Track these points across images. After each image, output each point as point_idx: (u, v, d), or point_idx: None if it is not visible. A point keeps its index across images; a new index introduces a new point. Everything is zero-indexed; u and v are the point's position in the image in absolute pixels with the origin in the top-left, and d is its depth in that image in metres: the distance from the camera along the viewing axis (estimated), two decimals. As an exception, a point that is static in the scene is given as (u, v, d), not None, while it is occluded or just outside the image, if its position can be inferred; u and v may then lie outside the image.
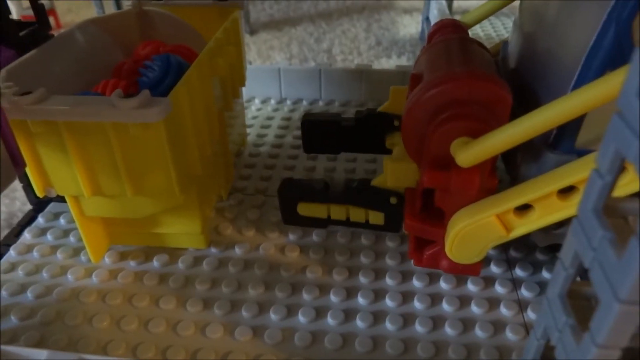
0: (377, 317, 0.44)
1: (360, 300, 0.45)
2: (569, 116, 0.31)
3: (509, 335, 0.42)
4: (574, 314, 0.28)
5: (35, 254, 0.51)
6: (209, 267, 0.49)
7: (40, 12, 0.52)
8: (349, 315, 0.44)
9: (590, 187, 0.25)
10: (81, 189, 0.42)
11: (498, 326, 0.43)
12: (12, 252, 0.52)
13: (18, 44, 0.48)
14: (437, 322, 0.43)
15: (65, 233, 0.54)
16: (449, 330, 0.42)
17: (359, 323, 0.43)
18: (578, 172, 0.34)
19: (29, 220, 0.58)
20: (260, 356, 0.41)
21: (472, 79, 0.37)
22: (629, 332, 0.23)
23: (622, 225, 0.24)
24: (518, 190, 0.37)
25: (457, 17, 0.54)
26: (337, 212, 0.48)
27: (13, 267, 0.50)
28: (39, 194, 0.43)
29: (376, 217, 0.47)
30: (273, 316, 0.44)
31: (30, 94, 0.37)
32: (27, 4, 1.18)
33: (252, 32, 1.47)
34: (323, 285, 0.47)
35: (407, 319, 0.43)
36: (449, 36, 0.46)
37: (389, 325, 0.43)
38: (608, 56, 0.33)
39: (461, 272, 0.45)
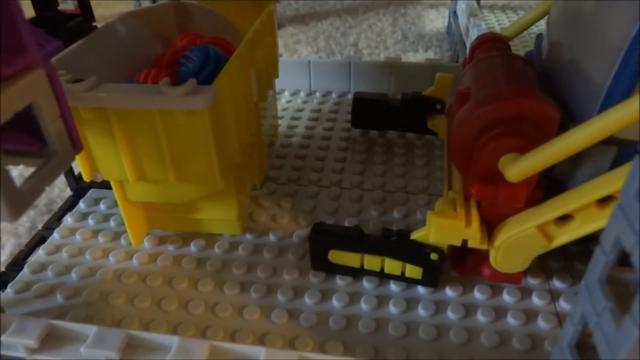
0: (410, 303, 0.44)
1: (393, 287, 0.46)
2: (615, 128, 0.31)
3: (541, 324, 0.42)
4: (613, 300, 0.29)
5: (77, 237, 0.53)
6: (245, 252, 0.50)
7: (85, 5, 0.54)
8: (381, 300, 0.45)
9: (634, 172, 0.25)
10: (126, 174, 0.43)
11: (530, 315, 0.43)
12: (55, 235, 0.54)
13: (65, 35, 0.50)
14: (468, 309, 0.44)
15: (106, 218, 0.56)
16: (481, 317, 0.43)
17: (392, 308, 0.44)
18: (615, 181, 0.35)
19: (69, 205, 0.60)
20: (297, 338, 0.42)
21: (519, 98, 0.38)
22: (671, 313, 0.23)
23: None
24: (558, 201, 0.38)
25: (485, 12, 0.55)
26: (372, 262, 0.45)
27: (57, 249, 0.52)
28: (86, 178, 0.45)
29: (413, 271, 0.44)
30: (308, 300, 0.45)
31: (83, 82, 0.38)
32: (61, -2, 1.21)
33: (279, 26, 1.48)
34: (356, 272, 0.48)
35: (439, 306, 0.44)
36: (492, 52, 0.48)
37: (421, 311, 0.44)
38: None
39: (503, 281, 0.46)
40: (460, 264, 0.47)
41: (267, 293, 0.46)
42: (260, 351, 0.35)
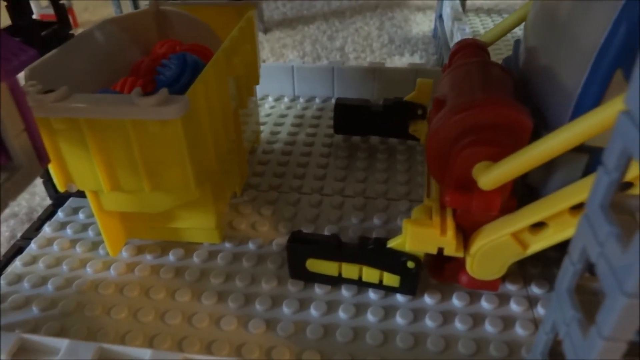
0: (388, 311, 0.44)
1: (372, 295, 0.46)
2: (585, 136, 0.31)
3: (519, 330, 0.42)
4: (582, 309, 0.29)
5: (55, 247, 0.53)
6: (224, 261, 0.50)
7: (61, 12, 0.53)
8: (360, 309, 0.45)
9: (598, 184, 0.26)
10: (101, 184, 0.43)
11: (508, 322, 0.43)
12: (33, 246, 0.53)
13: (41, 44, 0.50)
14: (446, 316, 0.44)
15: (84, 227, 0.55)
16: (458, 325, 0.43)
17: (370, 317, 0.44)
18: (587, 189, 0.35)
19: (48, 214, 0.60)
20: (273, 348, 0.41)
21: (493, 105, 0.38)
22: (635, 325, 0.23)
23: (629, 221, 0.25)
24: (531, 209, 0.38)
25: (471, 15, 0.55)
26: (349, 271, 0.45)
27: (34, 259, 0.51)
28: (60, 188, 0.44)
29: (391, 279, 0.44)
30: (286, 309, 0.45)
31: (53, 92, 0.38)
32: (45, 3, 1.21)
33: (266, 31, 1.48)
34: (335, 280, 0.48)
35: (417, 314, 0.44)
36: (471, 59, 0.48)
37: (399, 319, 0.43)
38: (618, 55, 0.33)
39: (480, 288, 0.46)
40: (439, 272, 0.46)
41: (245, 302, 0.46)
42: (234, 363, 0.35)
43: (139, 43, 0.61)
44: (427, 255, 0.43)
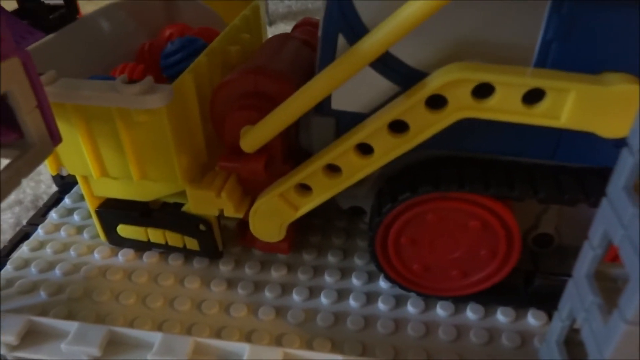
0: (399, 299, 0.44)
1: (382, 284, 0.45)
2: (323, 93, 0.36)
3: (531, 320, 0.42)
4: (601, 295, 0.28)
5: (62, 233, 0.52)
6: (233, 249, 0.50)
7: (69, -3, 0.53)
8: (370, 297, 0.44)
9: (622, 166, 0.25)
10: (90, 170, 0.43)
11: (520, 311, 0.43)
12: (40, 231, 0.53)
13: (48, 27, 0.49)
14: (458, 306, 0.43)
15: (91, 214, 0.55)
16: (470, 314, 0.43)
17: (381, 305, 0.43)
18: (335, 151, 0.37)
19: (54, 201, 0.59)
20: (284, 335, 0.41)
21: (256, 74, 0.40)
22: (659, 308, 0.23)
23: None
24: (295, 171, 0.40)
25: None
26: (156, 236, 0.47)
27: (41, 245, 0.51)
28: (52, 172, 0.44)
29: (191, 243, 0.47)
30: (296, 297, 0.44)
31: (41, 76, 0.37)
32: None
33: (271, 23, 1.47)
34: (345, 268, 0.47)
35: (428, 303, 0.44)
36: (294, 34, 0.50)
37: (410, 308, 0.43)
38: (337, 26, 0.35)
39: (272, 250, 0.48)
40: (243, 237, 0.48)
41: (255, 290, 0.45)
42: (245, 348, 0.35)
43: (147, 29, 0.60)
44: (240, 222, 0.47)
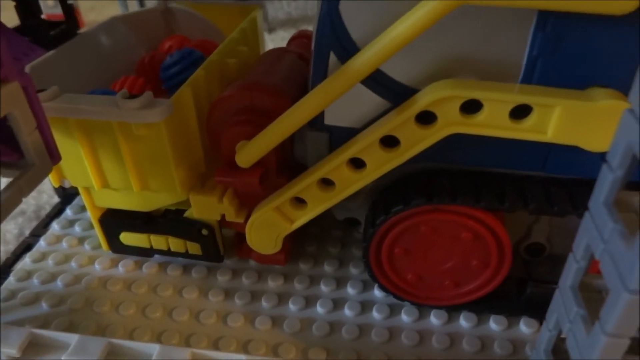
0: (393, 308, 0.45)
1: (376, 293, 0.46)
2: (316, 110, 0.36)
3: (523, 328, 0.43)
4: (585, 306, 0.29)
5: (64, 244, 0.53)
6: (230, 259, 0.50)
7: (69, 12, 0.54)
8: (365, 307, 0.45)
9: (602, 181, 0.26)
10: (91, 182, 0.44)
11: (512, 319, 0.44)
12: (42, 243, 0.54)
13: (49, 43, 0.50)
14: (451, 315, 0.44)
15: (92, 225, 0.56)
16: (464, 323, 0.43)
17: (376, 315, 0.44)
18: (328, 166, 0.38)
19: (57, 212, 0.60)
20: (280, 345, 0.42)
21: (250, 90, 0.41)
22: (637, 322, 0.24)
23: (632, 218, 0.25)
24: (290, 185, 0.41)
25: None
26: (158, 242, 0.49)
27: (43, 256, 0.52)
28: (54, 184, 0.45)
29: (193, 248, 0.48)
30: (292, 306, 0.45)
31: (44, 92, 0.38)
32: (52, 3, 1.21)
33: (270, 30, 1.48)
34: (340, 277, 0.48)
35: (422, 312, 0.44)
36: (289, 48, 0.51)
37: (404, 317, 0.44)
38: (329, 44, 0.36)
39: (268, 262, 0.49)
40: (239, 248, 0.50)
41: (252, 299, 0.46)
42: (241, 359, 0.36)
43: (147, 41, 0.61)
44: (237, 234, 0.49)
